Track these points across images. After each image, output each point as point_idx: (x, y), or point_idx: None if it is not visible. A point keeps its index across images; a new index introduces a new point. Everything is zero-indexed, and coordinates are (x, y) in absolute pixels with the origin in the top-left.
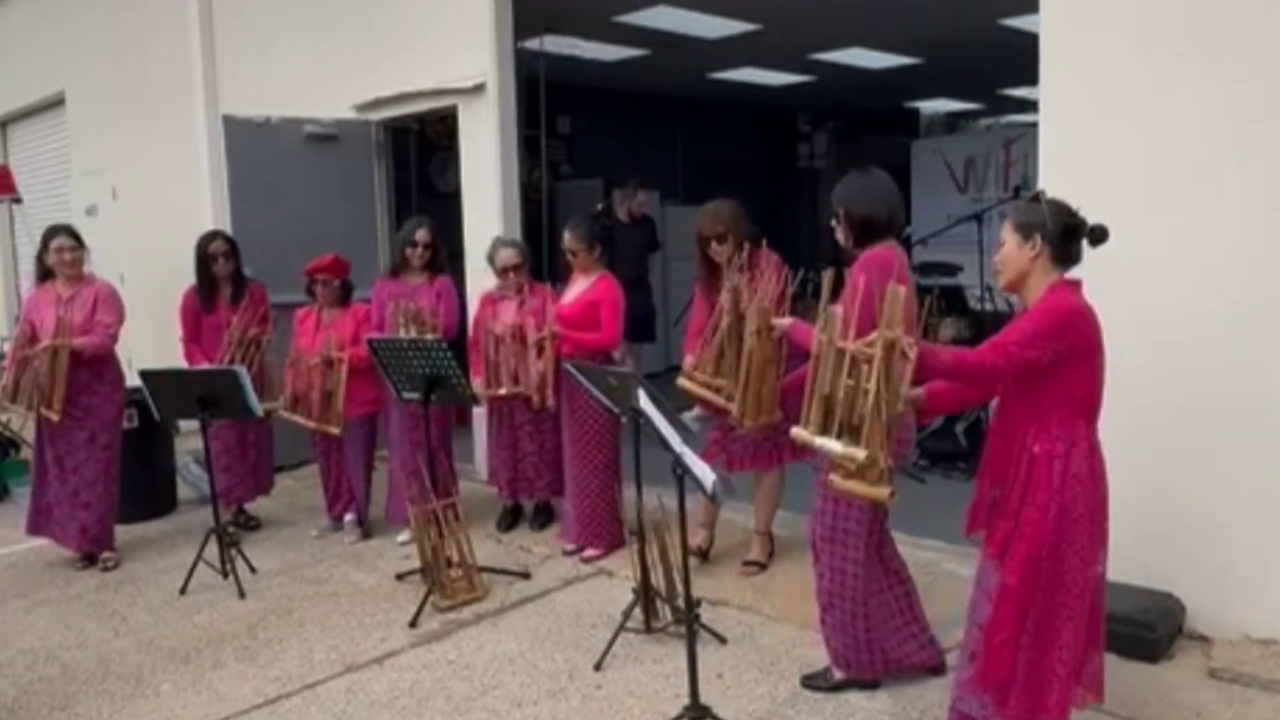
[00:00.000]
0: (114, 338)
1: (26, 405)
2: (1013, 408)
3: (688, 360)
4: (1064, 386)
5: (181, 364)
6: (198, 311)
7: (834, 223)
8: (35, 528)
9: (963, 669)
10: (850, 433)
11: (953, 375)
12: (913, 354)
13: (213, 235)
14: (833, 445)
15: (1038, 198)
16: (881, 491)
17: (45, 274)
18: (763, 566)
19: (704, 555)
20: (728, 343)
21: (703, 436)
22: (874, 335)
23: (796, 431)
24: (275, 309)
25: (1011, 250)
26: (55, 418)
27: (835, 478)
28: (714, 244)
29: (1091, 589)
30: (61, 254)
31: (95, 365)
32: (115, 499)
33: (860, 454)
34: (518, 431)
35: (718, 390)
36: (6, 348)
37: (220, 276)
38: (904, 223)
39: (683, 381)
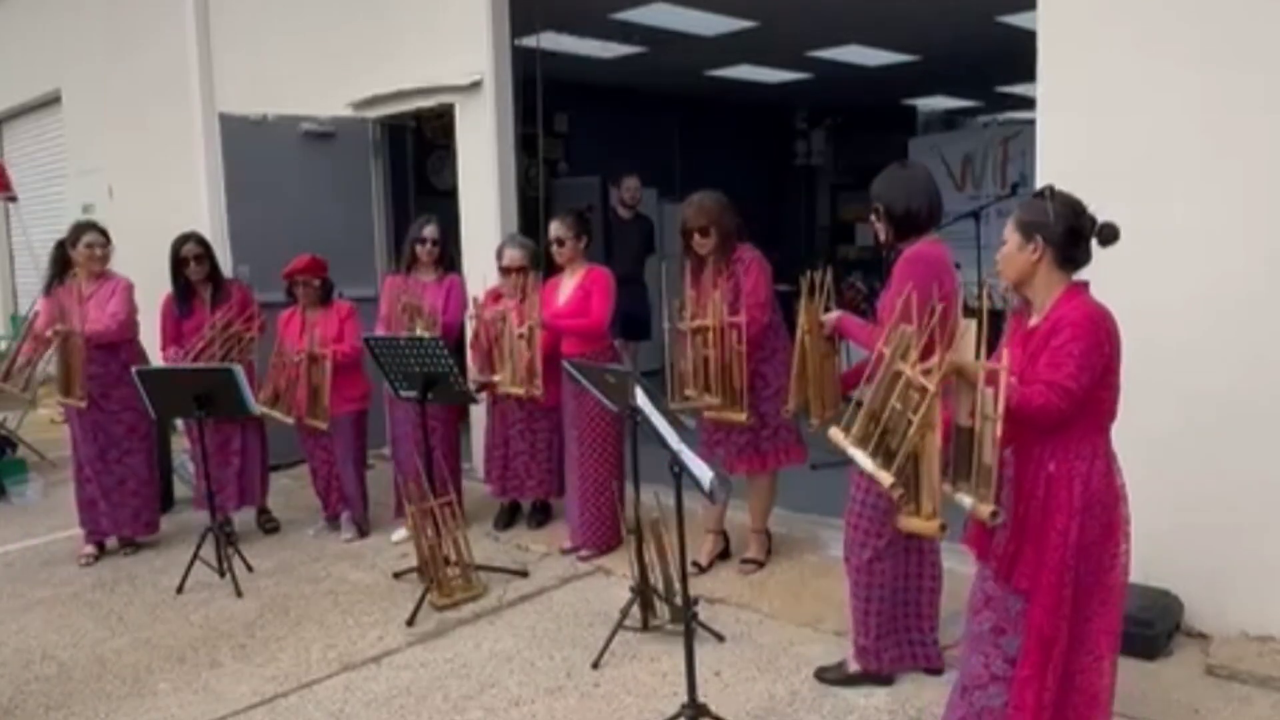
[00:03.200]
0: (124, 325)
1: (63, 392)
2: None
3: None
4: (1092, 403)
5: None
6: (176, 317)
7: (873, 219)
8: (90, 524)
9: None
10: (887, 455)
11: (1007, 418)
12: (1000, 405)
13: (185, 238)
14: (864, 460)
15: (1045, 194)
16: (933, 526)
17: (62, 269)
18: (760, 565)
19: (700, 566)
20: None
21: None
22: (933, 361)
23: (834, 433)
24: (271, 308)
25: (1011, 251)
26: (82, 404)
27: (901, 518)
28: (697, 236)
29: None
30: (92, 250)
31: (125, 358)
32: (158, 483)
33: (887, 479)
34: (509, 430)
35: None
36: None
37: (195, 279)
38: (942, 215)
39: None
